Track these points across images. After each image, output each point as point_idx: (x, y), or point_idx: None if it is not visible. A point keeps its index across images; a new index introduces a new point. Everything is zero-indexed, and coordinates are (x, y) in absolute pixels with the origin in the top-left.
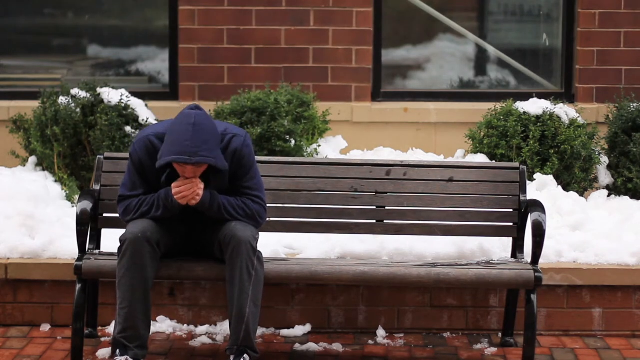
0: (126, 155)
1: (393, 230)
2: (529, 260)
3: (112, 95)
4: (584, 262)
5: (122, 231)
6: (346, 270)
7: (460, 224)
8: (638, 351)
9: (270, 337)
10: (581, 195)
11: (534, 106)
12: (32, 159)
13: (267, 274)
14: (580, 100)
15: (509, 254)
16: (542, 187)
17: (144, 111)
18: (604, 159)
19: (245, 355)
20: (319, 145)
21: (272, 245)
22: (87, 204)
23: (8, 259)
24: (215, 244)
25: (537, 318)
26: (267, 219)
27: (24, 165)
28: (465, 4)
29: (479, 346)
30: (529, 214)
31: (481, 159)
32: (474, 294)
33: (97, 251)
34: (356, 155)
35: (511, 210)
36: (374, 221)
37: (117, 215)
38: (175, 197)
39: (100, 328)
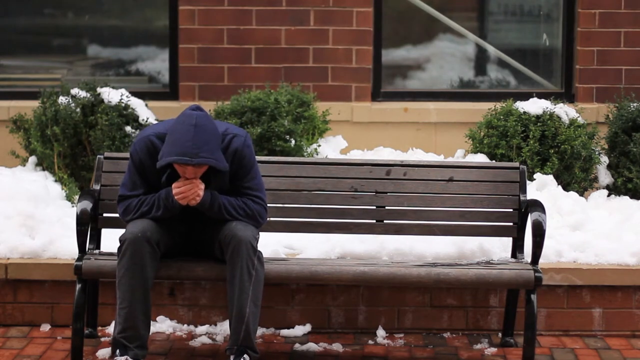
0: (126, 155)
1: (393, 230)
2: (529, 260)
3: (112, 95)
4: (584, 262)
5: (122, 231)
6: (346, 270)
7: (461, 224)
8: (638, 351)
9: (270, 337)
10: (581, 195)
11: (534, 106)
12: (32, 159)
13: (267, 274)
14: (580, 100)
15: (509, 254)
16: (542, 187)
17: (144, 111)
18: (604, 159)
19: (245, 355)
20: (319, 145)
21: (272, 245)
22: (87, 204)
23: (8, 259)
24: (216, 243)
25: (537, 318)
26: (268, 219)
27: (24, 165)
28: (465, 4)
29: (479, 346)
30: (529, 214)
31: (481, 158)
32: (474, 294)
33: (97, 251)
34: (356, 155)
35: (511, 210)
36: (374, 221)
37: (117, 215)
38: (175, 197)
39: (100, 328)
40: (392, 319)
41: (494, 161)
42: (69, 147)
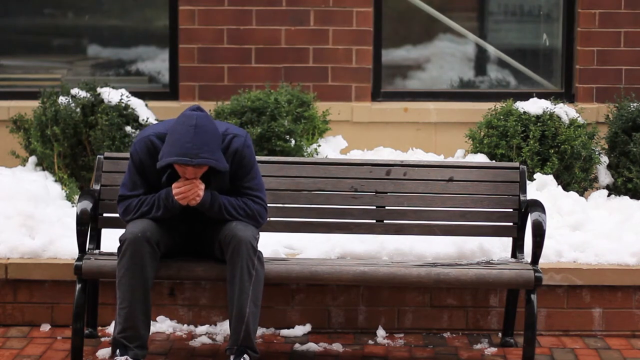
0: (126, 155)
1: (393, 230)
2: (529, 260)
3: (112, 95)
4: (584, 262)
5: (122, 231)
6: (346, 270)
7: (461, 224)
8: (638, 351)
9: (270, 337)
10: (581, 195)
11: (534, 106)
12: (32, 159)
13: (267, 274)
14: (580, 100)
15: (509, 254)
16: (542, 187)
17: (144, 111)
18: (604, 159)
19: (245, 355)
20: (319, 145)
21: (272, 245)
22: (87, 204)
23: (8, 259)
24: (216, 243)
25: (537, 318)
26: (268, 219)
27: (24, 165)
28: (465, 4)
29: (479, 346)
30: (529, 214)
31: (481, 158)
32: (474, 294)
33: (97, 251)
34: (356, 155)
35: (511, 210)
36: (374, 221)
37: (117, 215)
38: (175, 197)
39: (100, 328)
40: (392, 319)
41: (494, 161)
42: (69, 147)
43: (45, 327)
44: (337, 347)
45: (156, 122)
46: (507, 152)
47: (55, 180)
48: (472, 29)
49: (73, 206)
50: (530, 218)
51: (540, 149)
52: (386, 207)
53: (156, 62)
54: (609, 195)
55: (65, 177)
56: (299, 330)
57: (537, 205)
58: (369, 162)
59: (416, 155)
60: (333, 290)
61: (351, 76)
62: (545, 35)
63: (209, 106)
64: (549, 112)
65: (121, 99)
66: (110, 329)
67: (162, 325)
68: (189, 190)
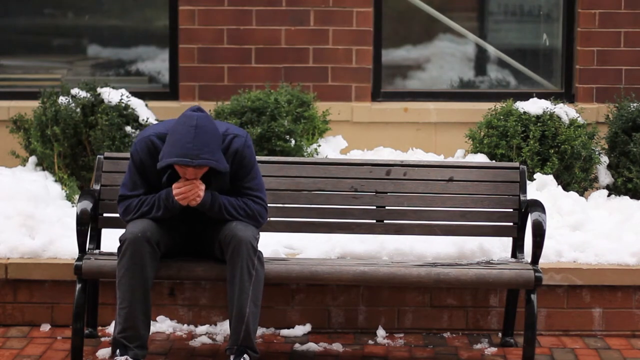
0: (126, 155)
1: (393, 230)
2: (529, 260)
3: (112, 95)
4: (584, 262)
5: (122, 231)
6: (346, 270)
7: (461, 224)
8: (638, 351)
9: (270, 337)
10: (581, 195)
11: (534, 106)
12: (32, 159)
13: (267, 274)
14: (580, 100)
15: (509, 254)
16: (542, 187)
17: (144, 111)
18: (604, 159)
19: (245, 355)
20: (319, 145)
21: (272, 245)
22: (87, 204)
23: (8, 259)
24: (216, 243)
25: (537, 318)
26: (268, 219)
27: (24, 165)
28: (465, 4)
29: (479, 346)
30: (529, 214)
31: (481, 158)
32: (474, 294)
33: (97, 251)
34: (356, 155)
35: (511, 210)
36: (374, 221)
37: (117, 215)
38: (176, 197)
39: (100, 328)
40: (392, 319)
41: (494, 161)
42: (69, 147)
43: (45, 327)
44: (337, 347)
45: (156, 122)
46: (507, 152)
47: (55, 180)
48: (472, 29)
49: (73, 206)
50: (530, 218)
51: (540, 149)
52: (386, 207)
53: (156, 62)
54: (609, 195)
55: (65, 177)
56: (299, 330)
57: (537, 205)
58: (369, 162)
59: (416, 155)
60: (333, 290)
61: (351, 76)
62: (545, 35)
63: (209, 106)
64: (549, 112)
65: (121, 99)
66: (110, 329)
67: (162, 325)
68: (189, 191)
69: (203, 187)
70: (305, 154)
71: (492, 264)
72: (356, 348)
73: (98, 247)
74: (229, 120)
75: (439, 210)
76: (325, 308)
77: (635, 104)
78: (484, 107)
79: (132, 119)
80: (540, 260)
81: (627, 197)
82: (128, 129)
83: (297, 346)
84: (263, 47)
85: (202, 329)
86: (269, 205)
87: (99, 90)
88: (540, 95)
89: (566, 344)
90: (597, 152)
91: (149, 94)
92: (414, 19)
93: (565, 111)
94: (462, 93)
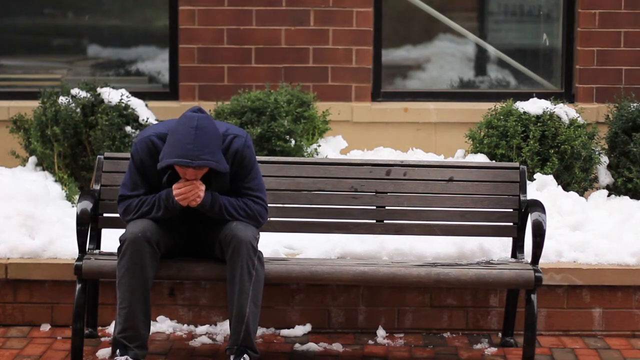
0: (126, 155)
1: (393, 230)
2: (529, 260)
3: (112, 95)
4: (584, 262)
5: (122, 231)
6: (346, 270)
7: (461, 224)
8: (638, 351)
9: (270, 337)
10: (581, 195)
11: (534, 106)
12: (32, 159)
13: (267, 274)
14: (580, 100)
15: (509, 254)
16: (542, 187)
17: (144, 111)
18: (604, 159)
19: (245, 355)
20: (319, 145)
21: (272, 245)
22: (87, 204)
23: (8, 259)
24: (216, 244)
25: (537, 318)
26: (268, 219)
27: (24, 165)
28: (465, 4)
29: (479, 346)
30: (529, 214)
31: (481, 159)
32: (474, 294)
33: (97, 251)
34: (356, 155)
35: (511, 210)
36: (374, 221)
37: (117, 215)
38: (176, 198)
39: (100, 328)
40: (392, 319)
41: (494, 161)
42: (69, 147)
43: (45, 327)
44: (337, 347)
45: (156, 122)
46: (507, 152)
47: (55, 180)
48: (472, 29)
49: (73, 206)
50: (530, 218)
51: (540, 149)
52: (386, 207)
53: (156, 62)
54: (609, 195)
55: (65, 177)
56: (299, 330)
57: (537, 205)
58: (369, 162)
59: (416, 155)
60: (333, 290)
61: (351, 76)
62: (545, 35)
63: (209, 106)
64: (549, 112)
65: (121, 99)
66: (110, 329)
67: (162, 325)
68: (189, 191)
69: (203, 187)
70: (305, 154)
71: (492, 264)
72: (356, 348)
73: (98, 247)
74: (229, 120)
75: (438, 210)
76: (325, 308)
77: (635, 104)
78: (484, 107)
79: (132, 119)
80: (540, 260)
81: (627, 197)
82: (128, 129)
83: (297, 346)
84: (263, 47)
85: (202, 329)
86: (269, 205)
87: (99, 90)
88: (540, 95)
89: (566, 344)
90: (597, 152)
91: (149, 94)
92: (414, 19)
93: (565, 111)
94: (462, 93)
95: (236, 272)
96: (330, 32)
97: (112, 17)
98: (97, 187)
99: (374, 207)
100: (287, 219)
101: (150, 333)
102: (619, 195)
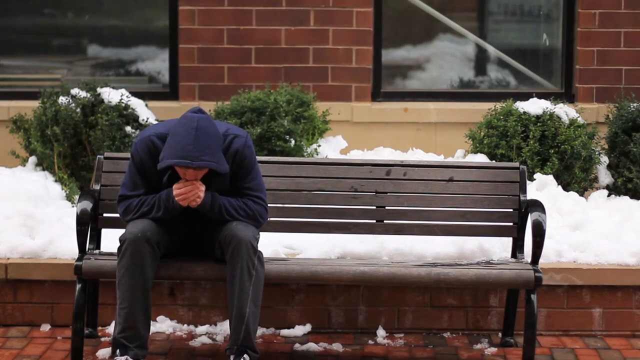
0: (126, 155)
1: (393, 230)
2: (529, 260)
3: (112, 95)
4: (584, 262)
5: (122, 231)
6: (346, 270)
7: (461, 224)
8: (638, 351)
9: (270, 337)
10: (581, 195)
11: (534, 106)
12: (32, 159)
13: (267, 274)
14: (580, 100)
15: (509, 254)
16: (542, 187)
17: (144, 111)
18: (604, 159)
19: (245, 355)
20: (319, 145)
21: (272, 245)
22: (87, 204)
23: (8, 259)
24: (216, 244)
25: (537, 318)
26: (268, 219)
27: (24, 165)
28: (465, 4)
29: (479, 346)
30: (529, 214)
31: (481, 159)
32: (474, 294)
33: (97, 251)
34: (356, 155)
35: (511, 210)
36: (374, 221)
37: (117, 215)
38: (176, 198)
39: (100, 328)
40: (392, 319)
41: (494, 161)
42: (69, 147)
43: (45, 327)
44: (337, 347)
45: (156, 122)
46: (507, 152)
47: (55, 180)
48: (472, 29)
49: (73, 206)
50: (530, 218)
51: (540, 149)
52: (386, 207)
53: (156, 62)
54: (609, 195)
55: (65, 177)
56: (299, 330)
57: (537, 205)
58: (369, 162)
59: (416, 155)
60: (333, 290)
61: (351, 76)
62: (545, 35)
63: (209, 106)
64: (549, 112)
65: (121, 99)
66: (110, 329)
67: (162, 325)
68: (189, 192)
69: (203, 188)
70: (305, 154)
71: (492, 264)
72: (356, 348)
73: (98, 247)
74: (229, 120)
75: (438, 210)
76: (325, 308)
77: (635, 104)
78: (484, 107)
79: (132, 119)
80: (540, 260)
81: (627, 197)
82: (128, 129)
83: (297, 346)
84: (263, 47)
85: (202, 329)
86: (269, 205)
87: (99, 90)
88: (540, 95)
89: (566, 344)
90: (597, 152)
91: (149, 94)
92: (414, 19)
93: (565, 111)
94: (462, 93)
95: (236, 272)
96: (330, 32)
97: (112, 17)
98: (97, 187)
99: (374, 207)
100: (287, 219)
101: (150, 333)
102: (619, 195)
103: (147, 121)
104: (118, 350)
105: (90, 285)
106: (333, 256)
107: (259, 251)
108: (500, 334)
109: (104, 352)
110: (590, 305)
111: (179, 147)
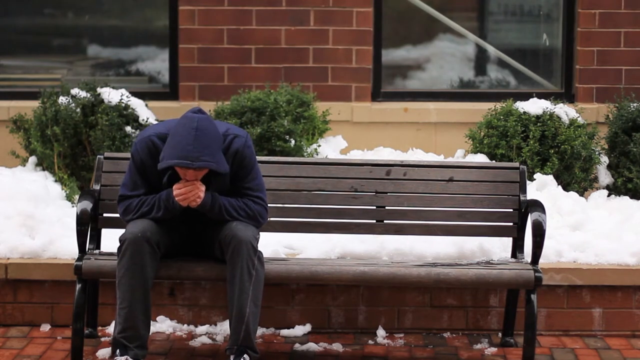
0: (126, 155)
1: (393, 230)
2: (529, 260)
3: (112, 95)
4: (584, 262)
5: (122, 231)
6: (346, 270)
7: (461, 224)
8: (638, 351)
9: (270, 337)
10: (581, 195)
11: (534, 106)
12: (32, 159)
13: (267, 274)
14: (580, 100)
15: (509, 254)
16: (542, 187)
17: (144, 111)
18: (604, 159)
19: (245, 355)
20: (319, 145)
21: (272, 245)
22: (87, 204)
23: (8, 259)
24: (216, 244)
25: (537, 318)
26: (268, 219)
27: (24, 165)
28: (465, 4)
29: (479, 346)
30: (529, 214)
31: (481, 159)
32: (474, 294)
33: (97, 251)
34: (356, 155)
35: (511, 210)
36: (374, 221)
37: (117, 215)
38: (176, 198)
39: (100, 328)
40: (392, 319)
41: (494, 161)
42: (69, 147)
43: (45, 327)
44: (337, 347)
45: (156, 122)
46: (507, 152)
47: (55, 180)
48: (472, 29)
49: (73, 206)
50: (530, 218)
51: (540, 149)
52: (386, 207)
53: (156, 62)
54: (609, 195)
55: (65, 177)
56: (299, 330)
57: (537, 205)
58: (369, 162)
59: (416, 155)
60: (333, 290)
61: (351, 76)
62: (545, 35)
63: (209, 106)
64: (549, 112)
65: (121, 99)
66: (110, 329)
67: (162, 325)
68: (189, 192)
69: (203, 188)
70: (305, 154)
71: (492, 264)
72: (356, 348)
73: (98, 247)
74: (229, 120)
75: (438, 210)
76: (325, 308)
77: (635, 104)
78: (484, 107)
79: (132, 119)
80: (540, 260)
81: (627, 197)
82: (128, 129)
83: (297, 346)
84: (263, 47)
85: (202, 329)
86: (269, 205)
87: (99, 90)
88: (540, 95)
89: (566, 344)
90: (597, 152)
91: (149, 94)
92: (414, 19)
93: (565, 111)
94: (462, 93)
95: (236, 272)
96: (330, 32)
97: (112, 17)
98: (97, 187)
99: (374, 207)
100: (287, 219)
101: (150, 333)
102: (619, 195)
103: (147, 121)
104: (118, 350)
105: (90, 285)
106: (333, 256)
107: (259, 251)
108: (500, 334)
109: (104, 352)
110: (590, 305)
111: (179, 147)
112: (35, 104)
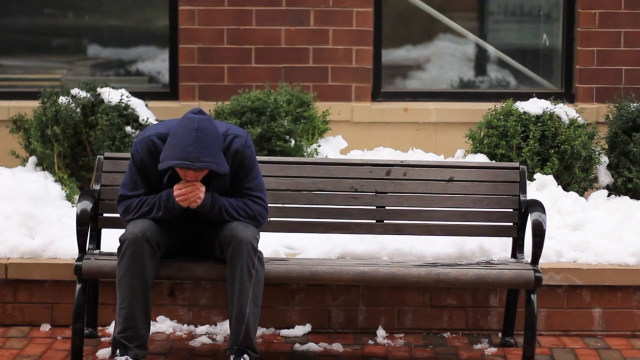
0: (126, 155)
1: (393, 230)
2: (529, 260)
3: (112, 95)
4: (584, 262)
5: (122, 231)
6: (346, 270)
7: (461, 224)
8: (638, 351)
9: (270, 337)
10: (581, 195)
11: (534, 106)
12: (32, 159)
13: (267, 274)
14: (580, 100)
15: (509, 254)
16: (542, 187)
17: (144, 111)
18: (604, 159)
19: (245, 355)
20: (319, 145)
21: (272, 245)
22: (87, 204)
23: (8, 259)
24: (216, 244)
25: (537, 318)
26: (268, 219)
27: (24, 165)
28: (465, 4)
29: (479, 346)
30: (529, 214)
31: (481, 159)
32: (474, 294)
33: (97, 251)
34: (356, 155)
35: (511, 210)
36: (374, 221)
37: (117, 215)
38: (176, 199)
39: (100, 328)
40: (392, 319)
41: (494, 161)
42: (69, 147)
43: (45, 327)
44: (337, 347)
45: (156, 122)
46: (507, 152)
47: (55, 180)
48: (472, 29)
49: (73, 206)
50: (530, 218)
51: (540, 149)
52: (386, 207)
53: (156, 62)
54: (609, 195)
55: (65, 177)
56: (299, 330)
57: (537, 205)
58: (369, 162)
59: (416, 155)
60: (333, 290)
61: (351, 76)
62: (545, 35)
63: (209, 106)
64: (549, 112)
65: (121, 99)
66: (110, 329)
67: (162, 325)
68: (189, 193)
69: (203, 189)
70: (305, 154)
71: (492, 264)
72: (356, 348)
73: (98, 247)
74: (229, 120)
75: (438, 210)
76: (325, 308)
77: (635, 104)
78: (484, 107)
79: (132, 119)
80: (540, 260)
81: (627, 197)
82: (128, 129)
83: (297, 346)
84: (263, 47)
85: (202, 329)
86: (269, 205)
87: (99, 90)
88: (540, 95)
89: (566, 344)
90: (597, 152)
91: (149, 94)
92: (414, 19)
93: (565, 111)
94: (462, 93)
95: (236, 272)
96: (330, 32)
97: (112, 17)
98: (97, 187)
99: (374, 207)
100: (287, 219)
101: (150, 333)
102: (619, 195)
103: (147, 121)
104: (118, 350)
105: (90, 285)
106: (333, 256)
107: (259, 251)
108: (500, 334)
109: (104, 352)
110: (590, 305)
111: (179, 148)
112: (35, 104)
